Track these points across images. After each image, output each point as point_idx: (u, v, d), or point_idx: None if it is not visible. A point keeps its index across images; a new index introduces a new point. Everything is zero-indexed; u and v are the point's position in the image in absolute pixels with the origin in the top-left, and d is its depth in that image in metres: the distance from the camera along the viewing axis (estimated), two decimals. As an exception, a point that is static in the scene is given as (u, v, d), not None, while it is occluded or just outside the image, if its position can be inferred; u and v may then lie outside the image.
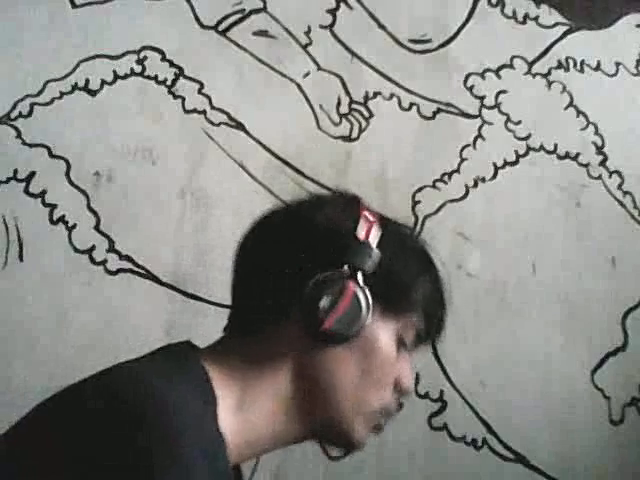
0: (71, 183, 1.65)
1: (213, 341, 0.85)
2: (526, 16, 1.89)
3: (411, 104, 1.81)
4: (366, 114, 1.78)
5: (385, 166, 1.76)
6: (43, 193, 1.63)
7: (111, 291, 1.61)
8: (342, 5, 1.83)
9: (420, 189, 1.76)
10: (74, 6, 1.73)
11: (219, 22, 1.77)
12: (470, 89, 1.84)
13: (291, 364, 0.80)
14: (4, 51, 1.68)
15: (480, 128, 1.82)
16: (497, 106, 1.84)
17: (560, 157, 1.84)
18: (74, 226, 1.63)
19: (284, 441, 0.83)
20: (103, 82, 1.70)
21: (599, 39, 1.92)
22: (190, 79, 1.73)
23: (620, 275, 1.79)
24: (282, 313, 0.80)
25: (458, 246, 1.75)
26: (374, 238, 0.81)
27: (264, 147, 1.73)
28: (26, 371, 1.53)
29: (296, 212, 0.87)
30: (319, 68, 1.79)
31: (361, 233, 0.81)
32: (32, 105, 1.66)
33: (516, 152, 1.82)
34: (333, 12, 1.82)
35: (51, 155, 1.65)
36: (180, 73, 1.73)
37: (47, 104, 1.67)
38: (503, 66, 1.86)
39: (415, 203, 1.75)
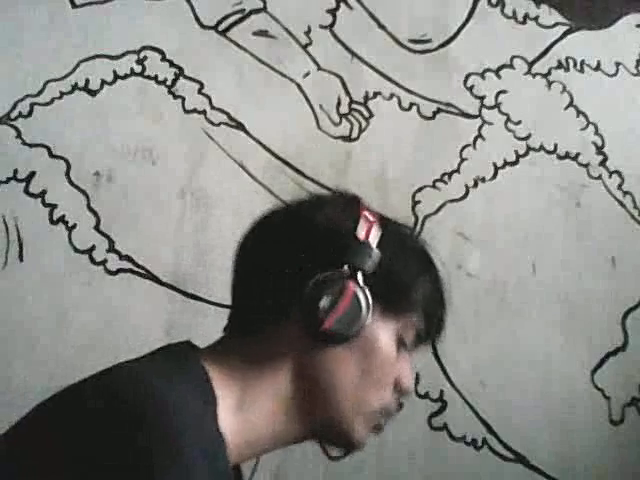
0: (71, 183, 1.65)
1: (213, 341, 0.85)
2: (526, 16, 1.89)
3: (411, 104, 1.81)
4: (366, 114, 1.78)
5: (385, 166, 1.76)
6: (43, 193, 1.63)
7: (111, 291, 1.61)
8: (342, 5, 1.82)
9: (420, 189, 1.76)
10: (74, 6, 1.73)
11: (219, 22, 1.77)
12: (470, 89, 1.84)
13: (291, 364, 0.80)
14: (4, 51, 1.68)
15: (480, 128, 1.82)
16: (497, 106, 1.84)
17: (560, 157, 1.84)
18: (74, 226, 1.63)
19: (284, 441, 0.83)
20: (103, 82, 1.70)
21: (599, 39, 1.92)
22: (190, 79, 1.73)
23: (620, 275, 1.79)
24: (282, 313, 0.80)
25: (458, 246, 1.75)
26: (374, 238, 0.81)
27: (264, 147, 1.73)
28: (26, 371, 1.53)
29: (296, 212, 0.87)
30: (319, 68, 1.79)
31: (361, 233, 0.81)
32: (32, 105, 1.66)
33: (516, 152, 1.82)
34: (333, 12, 1.82)
35: (51, 155, 1.65)
36: (180, 73, 1.73)
37: (47, 104, 1.67)
38: (503, 66, 1.86)
39: (415, 203, 1.75)
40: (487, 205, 1.79)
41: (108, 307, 1.60)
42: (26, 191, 1.63)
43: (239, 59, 1.76)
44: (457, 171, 1.79)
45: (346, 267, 0.79)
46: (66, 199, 1.64)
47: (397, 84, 1.81)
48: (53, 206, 1.63)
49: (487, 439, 1.68)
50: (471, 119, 1.82)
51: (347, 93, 1.79)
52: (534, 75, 1.87)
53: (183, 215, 1.67)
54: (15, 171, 1.63)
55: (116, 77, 1.71)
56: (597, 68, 1.90)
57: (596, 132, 1.86)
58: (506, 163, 1.81)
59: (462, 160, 1.80)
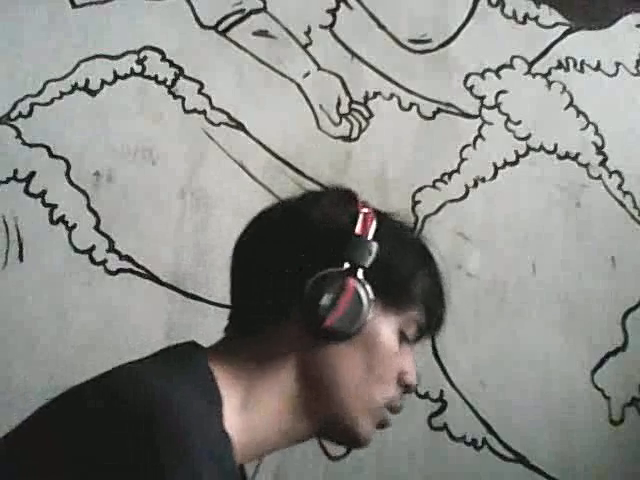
0: (71, 183, 1.65)
1: (215, 341, 0.85)
2: (526, 16, 1.89)
3: (411, 104, 1.81)
4: (366, 114, 1.78)
5: (385, 166, 1.76)
6: (43, 193, 1.63)
7: (111, 291, 1.61)
8: (342, 5, 1.83)
9: (420, 189, 1.76)
10: (74, 6, 1.73)
11: (219, 22, 1.77)
12: (470, 89, 1.84)
13: (294, 363, 0.80)
14: (4, 51, 1.68)
15: (480, 128, 1.82)
16: (497, 106, 1.84)
17: (560, 157, 1.84)
18: (74, 226, 1.63)
19: (289, 440, 0.82)
20: (103, 82, 1.70)
21: (599, 39, 1.92)
22: (190, 79, 1.73)
23: (620, 275, 1.79)
24: (282, 313, 0.80)
25: (458, 246, 1.75)
26: (372, 233, 0.81)
27: (264, 147, 1.73)
28: (26, 371, 1.53)
29: (292, 209, 0.86)
30: (319, 68, 1.79)
31: (359, 228, 0.81)
32: (32, 105, 1.66)
33: (516, 152, 1.82)
34: (333, 12, 1.82)
35: (51, 155, 1.65)
36: (180, 73, 1.73)
37: (47, 104, 1.67)
38: (503, 66, 1.86)
39: (415, 203, 1.75)
40: (487, 205, 1.79)
41: (108, 307, 1.60)
42: (26, 191, 1.63)
43: (239, 59, 1.76)
44: (457, 171, 1.79)
45: (346, 264, 0.79)
46: (66, 199, 1.64)
47: (397, 84, 1.81)
48: (53, 206, 1.63)
49: (487, 439, 1.67)
50: (471, 119, 1.82)
51: (347, 93, 1.79)
52: (534, 75, 1.87)
53: (183, 215, 1.67)
54: (15, 171, 1.63)
55: (116, 77, 1.71)
56: (597, 68, 1.90)
57: (596, 132, 1.86)
58: (506, 163, 1.81)
59: (462, 160, 1.80)
